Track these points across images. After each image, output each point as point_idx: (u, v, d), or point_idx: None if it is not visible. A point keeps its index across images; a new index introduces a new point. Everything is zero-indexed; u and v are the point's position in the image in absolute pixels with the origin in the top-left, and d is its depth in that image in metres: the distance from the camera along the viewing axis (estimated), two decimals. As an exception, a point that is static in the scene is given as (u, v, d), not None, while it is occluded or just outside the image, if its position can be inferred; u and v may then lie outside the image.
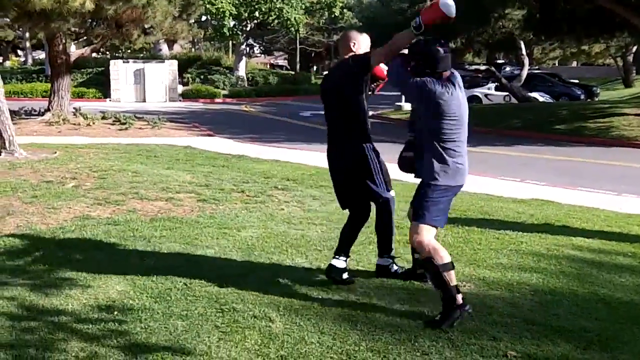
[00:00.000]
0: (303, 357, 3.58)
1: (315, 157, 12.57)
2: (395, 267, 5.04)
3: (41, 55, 46.97)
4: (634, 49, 38.28)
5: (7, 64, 47.88)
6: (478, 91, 29.16)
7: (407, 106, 26.20)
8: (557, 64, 54.67)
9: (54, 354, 3.54)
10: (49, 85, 19.54)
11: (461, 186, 4.38)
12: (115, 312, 4.17)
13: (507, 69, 39.71)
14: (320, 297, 4.54)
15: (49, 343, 3.68)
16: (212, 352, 3.61)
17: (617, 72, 44.18)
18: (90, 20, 17.10)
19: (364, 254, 5.64)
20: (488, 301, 4.56)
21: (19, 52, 57.52)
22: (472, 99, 28.73)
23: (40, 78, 34.31)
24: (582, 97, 30.56)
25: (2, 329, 3.88)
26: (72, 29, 16.78)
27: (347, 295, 4.58)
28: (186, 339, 3.78)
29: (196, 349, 3.65)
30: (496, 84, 28.55)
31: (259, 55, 67.94)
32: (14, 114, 14.81)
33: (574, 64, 58.64)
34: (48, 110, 18.34)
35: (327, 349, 3.70)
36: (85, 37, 18.96)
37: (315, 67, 68.85)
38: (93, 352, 3.57)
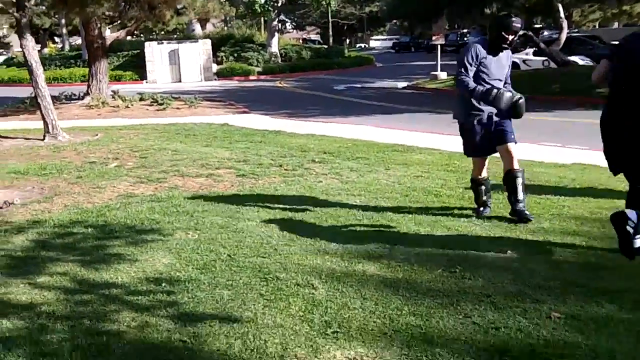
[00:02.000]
0: (346, 322, 3.64)
1: (351, 129, 12.59)
2: None
3: (78, 40, 47.60)
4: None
5: (45, 51, 48.65)
6: (516, 57, 28.60)
7: (442, 75, 25.97)
8: (597, 26, 53.35)
9: (107, 324, 3.66)
10: (87, 69, 19.82)
11: None
12: (163, 284, 4.29)
13: (545, 33, 38.95)
14: (361, 264, 4.59)
15: (102, 314, 3.80)
16: (257, 318, 3.69)
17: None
18: (123, 4, 17.25)
19: (403, 222, 5.66)
20: (530, 265, 4.55)
21: (56, 39, 58.36)
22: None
23: (78, 63, 34.80)
24: (623, 59, 29.77)
25: (57, 302, 4.02)
26: (107, 13, 16.93)
27: (389, 262, 4.62)
28: (232, 307, 3.87)
29: (242, 316, 3.73)
30: (534, 49, 28.03)
31: (291, 30, 67.83)
32: (54, 99, 15.07)
33: (615, 25, 57.17)
34: (87, 94, 18.64)
35: (369, 313, 3.75)
36: (119, 21, 19.13)
37: (348, 40, 68.40)
38: (144, 321, 3.68)
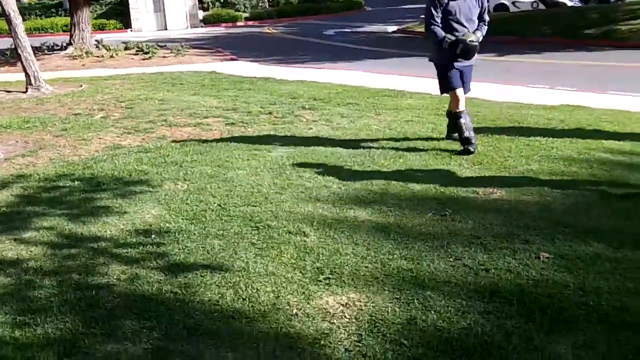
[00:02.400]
0: (338, 268, 3.65)
1: (341, 75, 12.47)
2: None
3: (59, -11, 46.52)
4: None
5: (25, 0, 47.59)
6: (504, -1, 28.32)
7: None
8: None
9: (97, 278, 3.66)
10: (69, 19, 19.44)
11: None
12: (153, 236, 4.27)
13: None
14: (353, 210, 4.59)
15: (91, 268, 3.80)
16: (249, 267, 3.70)
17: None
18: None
19: (394, 167, 5.65)
20: (520, 206, 4.57)
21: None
22: (499, 7, 28.01)
23: (60, 12, 34.08)
24: (613, -1, 29.54)
25: (45, 257, 4.01)
26: (88, -42, 16.55)
27: (380, 208, 4.62)
28: (223, 256, 3.87)
29: (234, 265, 3.74)
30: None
31: (278, -25, 66.47)
32: (36, 50, 14.83)
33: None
34: (70, 44, 18.32)
35: (361, 259, 3.77)
36: (102, -33, 18.71)
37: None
38: (134, 274, 3.68)
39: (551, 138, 6.53)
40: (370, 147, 6.45)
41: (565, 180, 5.14)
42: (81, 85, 12.06)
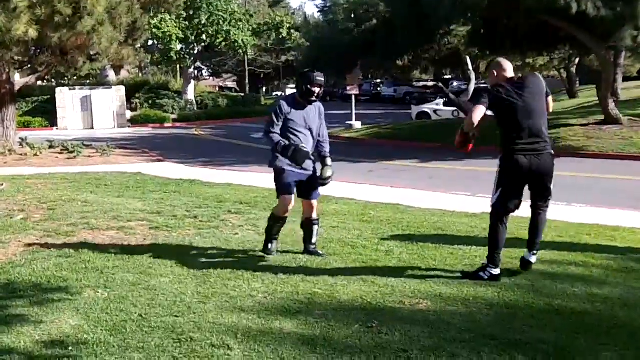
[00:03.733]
0: (263, 384, 3.54)
1: (268, 179, 12.51)
2: None
3: (-16, 84, 45.90)
4: (577, 60, 39.28)
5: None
6: (427, 107, 29.62)
7: (357, 125, 26.46)
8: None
9: (6, 396, 3.43)
10: (-7, 115, 19.08)
11: None
12: (70, 348, 4.07)
13: (455, 84, 40.48)
14: (278, 321, 4.51)
15: (0, 384, 3.56)
16: (170, 384, 3.55)
17: (561, 83, 45.25)
18: (34, 48, 16.82)
19: (319, 275, 5.63)
20: (445, 317, 4.59)
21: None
22: (421, 115, 29.16)
23: (-16, 108, 33.49)
24: (529, 109, 31.19)
25: (-50, 372, 3.74)
26: (16, 57, 16.46)
27: (306, 319, 4.56)
28: (143, 372, 3.70)
29: (154, 382, 3.58)
30: (444, 99, 29.03)
31: (207, 78, 67.78)
32: (-44, 146, 14.42)
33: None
34: (-7, 141, 17.92)
35: (287, 374, 3.67)
36: (29, 65, 18.63)
37: (264, 88, 68.88)
38: (47, 391, 3.47)
39: (474, 247, 6.68)
40: (296, 254, 6.43)
41: (489, 291, 5.22)
42: (2, 184, 11.70)
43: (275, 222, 6.42)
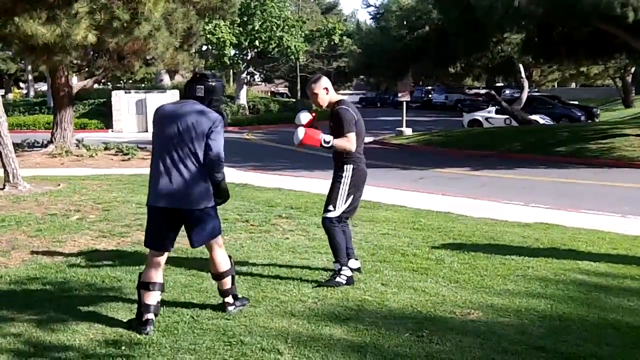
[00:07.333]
0: (313, 389, 3.56)
1: (318, 184, 12.58)
2: None
3: (43, 87, 47.32)
4: (633, 69, 38.40)
5: (10, 96, 48.18)
6: (479, 115, 29.30)
7: (407, 131, 26.34)
8: (556, 86, 54.86)
9: (63, 392, 3.52)
10: (52, 117, 19.64)
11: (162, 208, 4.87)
12: (123, 347, 4.15)
13: (507, 92, 39.92)
14: (328, 327, 4.52)
15: (57, 380, 3.66)
16: (221, 386, 3.59)
17: (616, 92, 44.32)
18: (92, 53, 17.23)
19: (370, 282, 5.63)
20: (497, 329, 4.54)
21: (21, 84, 57.91)
22: (473, 123, 28.86)
23: (43, 110, 34.49)
24: (583, 118, 30.67)
25: (10, 366, 3.86)
26: (75, 61, 16.90)
27: (356, 325, 4.56)
28: (195, 373, 3.76)
29: (205, 383, 3.62)
30: (497, 107, 28.68)
31: (259, 83, 68.31)
32: (17, 146, 14.87)
33: (573, 85, 58.87)
34: (51, 142, 18.44)
35: (336, 381, 3.68)
36: (87, 69, 19.10)
37: (315, 94, 68.77)
38: (101, 388, 3.55)
39: (527, 257, 6.58)
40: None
41: (542, 302, 5.14)
42: (59, 185, 12.02)
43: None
